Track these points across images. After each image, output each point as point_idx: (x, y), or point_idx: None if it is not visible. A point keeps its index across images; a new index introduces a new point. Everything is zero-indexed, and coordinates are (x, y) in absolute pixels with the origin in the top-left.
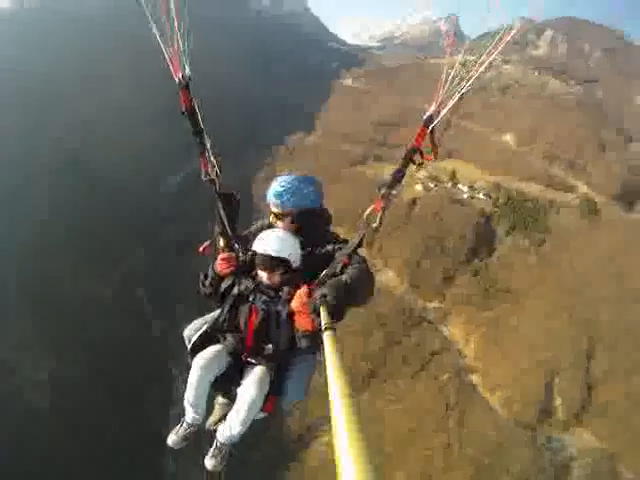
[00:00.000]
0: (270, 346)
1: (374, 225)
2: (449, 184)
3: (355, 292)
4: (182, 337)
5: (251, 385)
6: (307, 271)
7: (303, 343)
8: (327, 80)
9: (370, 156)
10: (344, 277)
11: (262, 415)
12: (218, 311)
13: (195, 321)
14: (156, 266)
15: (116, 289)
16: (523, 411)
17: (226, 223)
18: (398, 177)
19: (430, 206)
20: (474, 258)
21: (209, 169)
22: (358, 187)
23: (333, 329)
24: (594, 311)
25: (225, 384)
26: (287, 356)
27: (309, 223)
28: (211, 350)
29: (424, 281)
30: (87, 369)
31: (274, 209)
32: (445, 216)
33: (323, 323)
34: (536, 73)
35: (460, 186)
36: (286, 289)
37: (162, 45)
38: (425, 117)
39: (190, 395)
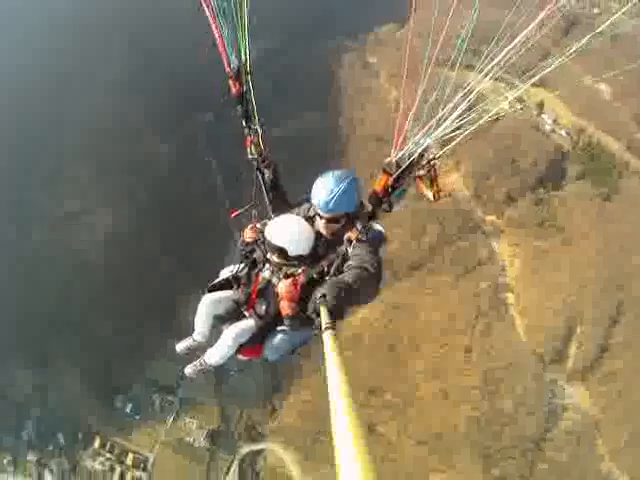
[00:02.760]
0: (264, 308)
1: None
2: (535, 112)
3: (356, 293)
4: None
5: (233, 330)
6: (323, 261)
7: (286, 322)
8: None
9: (457, 62)
10: (346, 277)
11: (246, 359)
12: (241, 265)
13: (224, 270)
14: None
15: (180, 146)
16: (540, 345)
17: (266, 195)
18: (372, 217)
19: (511, 127)
20: (540, 188)
21: (253, 149)
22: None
23: (333, 329)
24: (632, 281)
25: (225, 321)
26: (276, 321)
27: (347, 222)
28: (220, 293)
29: (488, 194)
30: (143, 224)
31: (321, 214)
32: (523, 139)
33: (323, 323)
34: None
35: (544, 116)
36: (284, 269)
37: (219, 44)
38: (384, 163)
39: (197, 321)
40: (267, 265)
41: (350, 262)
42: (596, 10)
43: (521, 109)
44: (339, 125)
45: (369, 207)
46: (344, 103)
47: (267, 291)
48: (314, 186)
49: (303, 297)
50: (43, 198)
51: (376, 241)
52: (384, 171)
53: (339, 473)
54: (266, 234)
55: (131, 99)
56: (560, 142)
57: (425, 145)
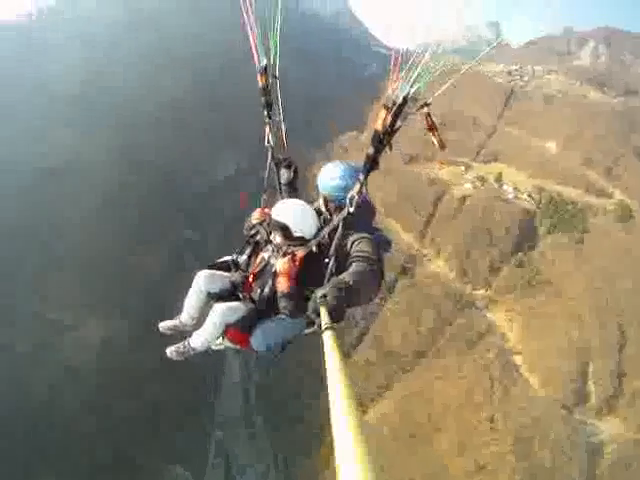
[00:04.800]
0: (259, 291)
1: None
2: (495, 185)
3: (357, 293)
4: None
5: (222, 305)
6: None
7: (281, 303)
8: (373, 82)
9: (421, 156)
10: (346, 277)
11: (234, 347)
12: (243, 249)
13: (225, 257)
14: (204, 244)
15: (164, 258)
16: (560, 392)
17: (280, 193)
18: (371, 166)
19: (479, 202)
20: (518, 251)
21: (270, 138)
22: (409, 183)
23: (333, 329)
24: (625, 304)
25: (218, 302)
26: (268, 308)
27: (356, 214)
28: (218, 272)
29: (472, 269)
30: (130, 335)
31: (331, 203)
32: (492, 212)
33: (323, 323)
34: (578, 84)
35: (505, 187)
36: (284, 248)
37: (252, 43)
38: (386, 98)
39: (187, 299)
40: (268, 247)
41: (352, 258)
42: (526, 78)
43: (482, 186)
44: None
45: (370, 150)
46: None
47: (265, 274)
48: (322, 170)
49: (301, 278)
50: (27, 308)
51: (381, 242)
52: (384, 107)
53: (339, 473)
54: (272, 212)
55: (116, 210)
56: (525, 205)
57: (415, 79)
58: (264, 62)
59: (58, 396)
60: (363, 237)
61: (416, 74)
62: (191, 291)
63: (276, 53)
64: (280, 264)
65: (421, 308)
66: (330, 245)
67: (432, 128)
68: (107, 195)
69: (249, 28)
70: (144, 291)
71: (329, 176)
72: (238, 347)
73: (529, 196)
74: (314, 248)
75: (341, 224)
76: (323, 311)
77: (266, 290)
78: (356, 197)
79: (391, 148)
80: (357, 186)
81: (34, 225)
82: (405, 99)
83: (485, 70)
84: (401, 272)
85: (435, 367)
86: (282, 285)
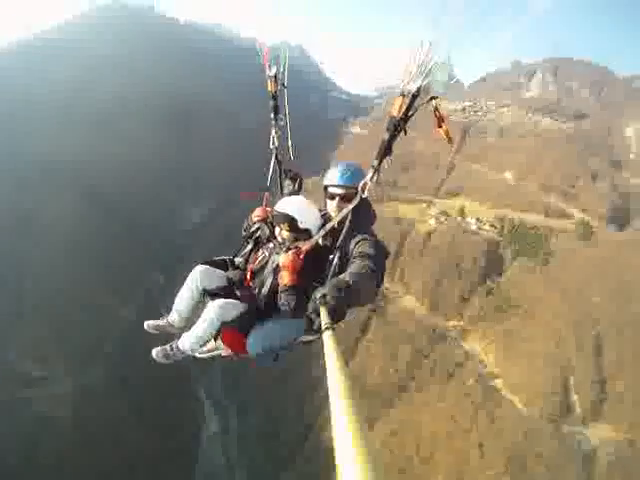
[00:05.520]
0: (257, 288)
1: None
2: (458, 219)
3: (357, 293)
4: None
5: (219, 301)
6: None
7: (281, 298)
8: (335, 128)
9: (385, 196)
10: (346, 276)
11: (225, 353)
12: (242, 248)
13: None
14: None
15: (135, 305)
16: (545, 407)
17: (282, 193)
18: (387, 148)
19: (444, 237)
20: (486, 280)
21: (275, 141)
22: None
23: (333, 329)
24: (599, 314)
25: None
26: (267, 308)
27: (361, 208)
28: (214, 269)
29: (443, 302)
30: (106, 384)
31: (337, 190)
32: (458, 245)
33: (323, 323)
34: (529, 114)
35: (468, 219)
36: (287, 244)
37: (260, 55)
38: (401, 88)
39: (178, 296)
40: (269, 244)
41: (354, 258)
42: (480, 113)
43: (445, 220)
44: None
45: (385, 135)
46: None
47: (264, 271)
48: (329, 170)
49: (305, 274)
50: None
51: (382, 246)
52: (401, 95)
53: (339, 473)
54: (276, 207)
55: (84, 259)
56: (489, 235)
57: (427, 73)
58: (274, 70)
59: (34, 450)
60: (366, 238)
61: (429, 67)
62: (184, 287)
63: (285, 63)
64: (284, 258)
65: (397, 344)
66: (335, 241)
67: (440, 119)
68: (76, 242)
69: (260, 42)
70: (117, 338)
71: (339, 170)
72: (230, 352)
73: (492, 226)
74: (320, 241)
75: (350, 214)
76: (323, 311)
77: (265, 287)
78: (369, 184)
79: (405, 132)
80: (370, 173)
81: (1, 274)
82: (418, 89)
83: (440, 109)
84: (373, 310)
85: (417, 400)
86: (285, 279)
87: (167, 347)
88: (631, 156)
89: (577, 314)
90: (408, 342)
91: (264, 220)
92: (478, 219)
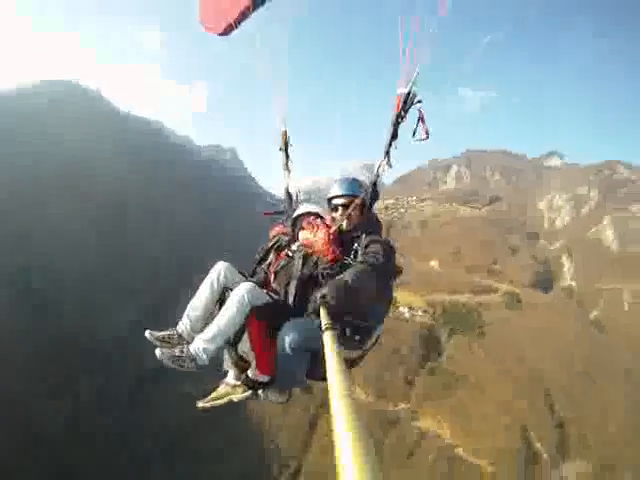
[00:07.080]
0: (282, 288)
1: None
2: (392, 309)
3: (356, 292)
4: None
5: (244, 287)
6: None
7: (310, 307)
8: (265, 228)
9: None
10: (346, 276)
11: (264, 378)
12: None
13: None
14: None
15: (72, 406)
16: (512, 464)
17: (289, 203)
18: (394, 133)
19: None
20: (427, 361)
21: (288, 182)
22: None
23: (334, 329)
24: (543, 367)
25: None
26: (294, 311)
27: (364, 211)
28: (238, 272)
29: (390, 388)
30: None
31: (340, 200)
32: (394, 334)
33: (323, 323)
34: (448, 205)
35: (401, 309)
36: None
37: (275, 105)
38: (398, 92)
39: (194, 298)
40: (291, 246)
41: (362, 256)
42: (402, 210)
43: None
44: None
45: (390, 129)
46: None
47: (289, 269)
48: (331, 186)
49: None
50: None
51: (390, 246)
52: (398, 96)
53: (339, 474)
54: (296, 212)
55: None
56: (423, 320)
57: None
58: (284, 128)
59: None
60: (379, 240)
61: (415, 75)
62: (203, 286)
63: (285, 126)
64: (317, 237)
65: None
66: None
67: (421, 118)
68: (12, 343)
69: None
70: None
71: (340, 182)
72: (253, 360)
73: (424, 312)
74: (344, 224)
75: (372, 189)
76: (323, 311)
77: (292, 288)
78: (385, 164)
79: (403, 119)
80: (382, 157)
81: None
82: (410, 91)
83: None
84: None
85: None
86: (327, 252)
87: (176, 350)
88: (545, 225)
89: (520, 372)
90: None
91: (283, 234)
92: (410, 307)
